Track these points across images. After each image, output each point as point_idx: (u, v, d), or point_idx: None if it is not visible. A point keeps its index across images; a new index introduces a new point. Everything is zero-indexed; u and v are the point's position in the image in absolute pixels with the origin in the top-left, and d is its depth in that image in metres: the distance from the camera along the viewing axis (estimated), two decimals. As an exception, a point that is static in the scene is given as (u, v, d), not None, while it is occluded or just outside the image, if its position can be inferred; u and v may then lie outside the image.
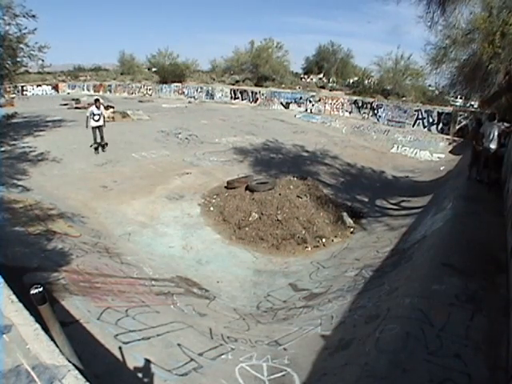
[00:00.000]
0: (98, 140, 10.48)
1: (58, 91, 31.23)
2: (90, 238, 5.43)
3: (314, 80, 31.79)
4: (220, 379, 2.82)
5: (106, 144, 10.67)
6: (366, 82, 26.65)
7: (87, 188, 7.91)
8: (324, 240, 6.64)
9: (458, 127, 13.69)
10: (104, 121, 10.46)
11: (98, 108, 10.14)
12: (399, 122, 15.62)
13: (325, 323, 3.74)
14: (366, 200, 8.70)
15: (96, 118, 10.09)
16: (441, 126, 14.30)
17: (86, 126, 10.13)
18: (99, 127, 10.24)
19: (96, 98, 10.60)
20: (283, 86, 26.89)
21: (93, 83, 32.18)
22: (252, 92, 23.58)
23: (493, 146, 6.75)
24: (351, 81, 30.82)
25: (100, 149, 10.52)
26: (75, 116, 16.68)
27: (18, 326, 1.47)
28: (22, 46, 9.27)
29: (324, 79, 32.47)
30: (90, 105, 16.28)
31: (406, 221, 6.95)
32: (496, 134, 6.74)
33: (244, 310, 4.48)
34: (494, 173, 6.96)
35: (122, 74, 35.26)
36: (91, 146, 10.32)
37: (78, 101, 21.65)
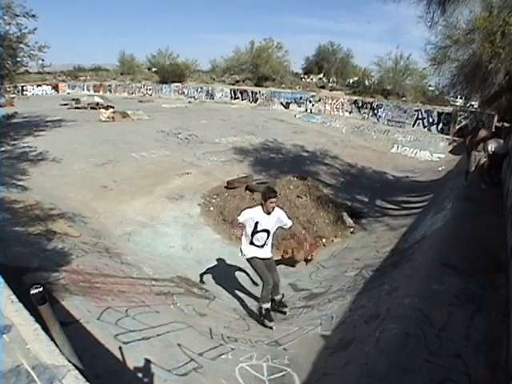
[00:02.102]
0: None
1: (58, 91, 31.30)
2: (90, 238, 5.43)
3: (314, 80, 31.82)
4: (220, 379, 2.81)
5: (283, 295, 4.38)
6: (366, 82, 26.71)
7: (87, 188, 7.91)
8: (324, 240, 6.64)
9: (458, 127, 13.70)
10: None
11: (268, 214, 3.83)
12: (399, 122, 15.63)
13: (325, 323, 3.73)
14: (366, 200, 8.69)
15: (261, 236, 3.91)
16: (441, 125, 14.32)
17: (247, 255, 4.00)
18: (267, 261, 4.06)
19: (269, 187, 4.26)
20: (283, 86, 26.93)
21: (93, 83, 32.24)
22: (252, 92, 23.60)
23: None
24: (351, 81, 30.91)
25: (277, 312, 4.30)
26: (75, 116, 16.70)
27: (18, 326, 1.47)
28: (22, 45, 9.29)
29: (324, 79, 32.52)
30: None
31: (406, 221, 6.95)
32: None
33: (244, 310, 4.48)
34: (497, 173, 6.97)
35: (122, 74, 35.32)
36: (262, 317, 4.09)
37: (77, 101, 21.68)
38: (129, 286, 4.19)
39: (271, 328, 3.91)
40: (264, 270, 3.97)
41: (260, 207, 3.88)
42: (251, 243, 3.95)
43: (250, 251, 3.95)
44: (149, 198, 7.88)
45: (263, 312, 4.02)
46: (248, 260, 4.02)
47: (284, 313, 4.31)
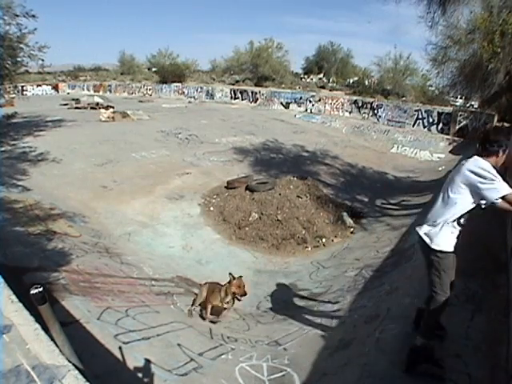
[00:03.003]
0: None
1: (58, 91, 31.27)
2: (90, 238, 5.43)
3: (314, 80, 31.85)
4: (220, 379, 2.81)
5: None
6: (366, 82, 26.75)
7: (87, 188, 7.92)
8: (324, 240, 6.64)
9: (457, 127, 13.69)
10: None
11: None
12: (399, 122, 15.62)
13: (325, 323, 3.73)
14: (366, 200, 8.69)
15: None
16: (441, 126, 14.30)
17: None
18: None
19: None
20: (283, 86, 26.92)
21: (93, 83, 32.20)
22: (252, 92, 23.57)
23: None
24: (351, 81, 30.96)
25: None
26: (75, 116, 16.69)
27: (18, 326, 1.47)
28: (22, 45, 9.30)
29: (324, 79, 32.55)
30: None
31: (407, 221, 6.95)
32: None
33: (244, 310, 4.48)
34: None
35: (122, 74, 35.31)
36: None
37: (77, 101, 21.67)
38: (129, 286, 4.20)
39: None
40: (452, 278, 2.34)
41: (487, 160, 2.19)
42: (459, 224, 2.38)
43: (452, 241, 2.35)
44: (149, 198, 7.88)
45: (421, 352, 2.31)
46: (443, 257, 2.30)
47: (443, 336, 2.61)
